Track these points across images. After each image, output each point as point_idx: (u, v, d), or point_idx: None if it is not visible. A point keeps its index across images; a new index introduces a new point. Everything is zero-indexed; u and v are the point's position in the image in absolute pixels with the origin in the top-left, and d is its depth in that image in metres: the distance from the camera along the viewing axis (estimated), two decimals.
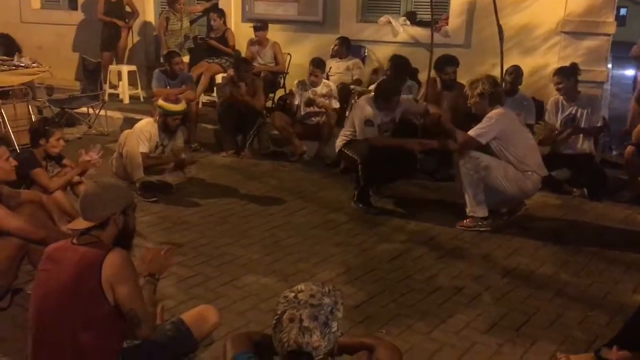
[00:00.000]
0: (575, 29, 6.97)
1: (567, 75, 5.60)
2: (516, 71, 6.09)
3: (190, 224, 4.77)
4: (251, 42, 7.98)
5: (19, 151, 5.54)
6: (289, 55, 8.07)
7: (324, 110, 6.57)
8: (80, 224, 2.48)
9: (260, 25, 7.87)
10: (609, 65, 7.29)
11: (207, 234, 4.58)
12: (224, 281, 3.83)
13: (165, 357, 2.61)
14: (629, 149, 5.40)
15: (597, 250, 4.45)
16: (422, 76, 6.58)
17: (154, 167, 5.53)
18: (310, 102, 6.55)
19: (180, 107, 5.58)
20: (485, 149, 4.70)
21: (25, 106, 6.91)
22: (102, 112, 7.66)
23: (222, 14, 8.32)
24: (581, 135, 5.59)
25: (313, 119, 6.69)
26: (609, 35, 7.00)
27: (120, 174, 5.42)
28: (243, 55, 7.88)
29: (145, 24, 9.42)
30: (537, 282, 3.96)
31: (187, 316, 2.77)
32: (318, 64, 6.64)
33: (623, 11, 21.62)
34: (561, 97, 5.68)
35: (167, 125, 5.50)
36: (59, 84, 8.61)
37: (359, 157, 5.12)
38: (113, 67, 8.94)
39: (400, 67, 6.34)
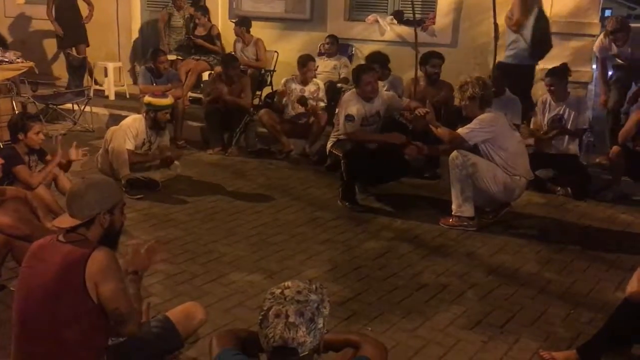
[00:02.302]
0: (561, 30, 7.02)
1: (559, 76, 5.65)
2: (502, 72, 6.12)
3: (177, 222, 4.76)
4: (236, 40, 7.96)
5: (1, 147, 5.49)
6: (276, 53, 8.07)
7: (313, 112, 6.58)
8: (66, 221, 2.45)
9: (239, 21, 7.84)
10: (594, 66, 7.37)
11: (194, 232, 4.57)
12: (210, 278, 3.83)
13: (151, 354, 2.60)
14: (615, 149, 5.46)
15: (580, 249, 4.50)
16: (409, 75, 6.60)
17: (140, 164, 5.51)
18: (302, 100, 6.55)
19: (167, 100, 5.59)
20: (473, 150, 4.73)
21: (9, 102, 6.84)
22: (88, 109, 7.60)
23: (205, 11, 8.28)
24: (566, 136, 5.65)
25: (303, 118, 6.69)
26: (593, 36, 7.07)
27: (105, 171, 5.39)
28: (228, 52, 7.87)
29: (132, 22, 9.34)
30: (521, 279, 4.00)
31: (173, 313, 2.76)
32: (310, 58, 6.68)
33: (608, 12, 21.85)
34: (549, 97, 5.74)
35: (157, 120, 5.48)
36: (43, 79, 8.52)
37: (342, 151, 5.18)
38: (100, 63, 8.86)
39: (383, 62, 6.49)
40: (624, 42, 6.19)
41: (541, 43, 6.12)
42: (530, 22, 6.09)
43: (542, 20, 6.13)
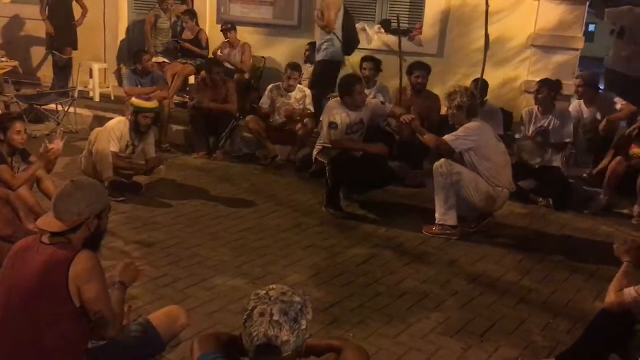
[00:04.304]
0: (546, 43, 7.14)
1: (550, 87, 5.73)
2: (481, 83, 6.19)
3: (160, 225, 4.73)
4: (223, 45, 7.96)
5: None
6: (263, 59, 8.07)
7: (301, 116, 6.60)
8: (51, 223, 2.41)
9: (227, 27, 7.85)
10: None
11: (177, 235, 4.55)
12: (192, 282, 3.81)
13: (132, 357, 2.59)
14: (618, 158, 5.47)
15: (561, 259, 4.55)
16: (394, 83, 6.65)
17: (123, 171, 5.48)
18: (290, 113, 6.57)
19: (152, 104, 5.56)
20: (456, 159, 4.77)
21: None
22: (72, 110, 7.55)
23: (193, 15, 8.26)
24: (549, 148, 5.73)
25: (289, 124, 6.69)
26: (577, 50, 7.19)
27: (88, 172, 5.34)
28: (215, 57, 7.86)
29: (118, 24, 9.30)
30: (501, 288, 4.03)
31: (154, 317, 2.75)
32: (295, 67, 6.68)
33: (591, 27, 22.18)
34: (536, 108, 5.81)
35: (137, 123, 5.44)
36: (28, 79, 8.44)
37: (327, 158, 5.23)
38: (84, 64, 8.80)
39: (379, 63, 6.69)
40: (591, 103, 6.16)
41: (350, 40, 6.78)
42: (339, 22, 6.58)
43: (348, 19, 6.79)
